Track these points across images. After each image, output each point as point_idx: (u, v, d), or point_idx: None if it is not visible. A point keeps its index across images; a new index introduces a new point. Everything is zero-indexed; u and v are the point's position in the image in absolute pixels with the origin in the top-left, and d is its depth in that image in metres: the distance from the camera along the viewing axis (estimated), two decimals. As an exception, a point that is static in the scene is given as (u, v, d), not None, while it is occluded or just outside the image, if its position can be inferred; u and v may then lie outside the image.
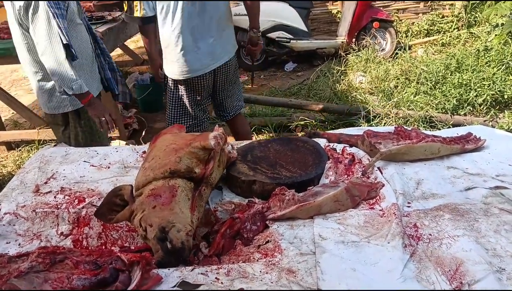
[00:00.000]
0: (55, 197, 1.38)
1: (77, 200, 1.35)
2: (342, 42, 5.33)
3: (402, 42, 5.58)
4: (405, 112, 3.47)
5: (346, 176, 1.41)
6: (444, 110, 3.59)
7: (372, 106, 3.57)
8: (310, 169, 1.39)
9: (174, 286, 0.96)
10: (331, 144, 1.61)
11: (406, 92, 3.87)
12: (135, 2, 2.36)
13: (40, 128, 3.53)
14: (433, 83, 3.91)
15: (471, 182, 1.32)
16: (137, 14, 2.37)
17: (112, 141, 3.39)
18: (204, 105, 2.61)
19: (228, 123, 2.85)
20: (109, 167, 1.58)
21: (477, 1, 5.84)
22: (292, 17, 5.33)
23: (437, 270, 0.99)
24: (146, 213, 1.13)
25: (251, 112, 4.07)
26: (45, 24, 1.92)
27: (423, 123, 3.38)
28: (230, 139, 1.87)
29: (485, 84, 3.72)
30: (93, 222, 1.29)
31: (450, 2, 6.12)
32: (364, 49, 4.87)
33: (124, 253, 1.01)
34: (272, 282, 0.96)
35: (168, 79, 2.51)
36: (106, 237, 1.28)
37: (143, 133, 2.95)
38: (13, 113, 4.39)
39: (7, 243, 1.26)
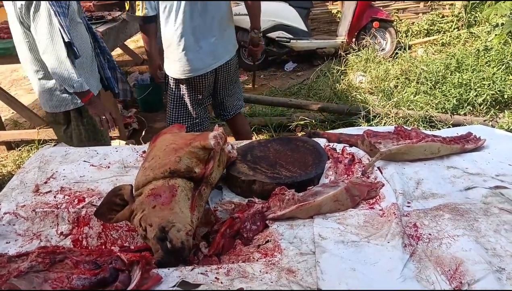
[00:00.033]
0: (55, 197, 1.38)
1: (77, 199, 1.35)
2: (342, 42, 5.33)
3: (402, 42, 5.58)
4: (405, 112, 3.47)
5: (346, 175, 1.40)
6: (444, 110, 3.58)
7: (372, 106, 3.57)
8: (310, 169, 1.39)
9: (174, 286, 0.95)
10: (331, 144, 1.61)
11: (406, 92, 3.87)
12: (137, 1, 2.36)
13: (40, 128, 3.53)
14: (433, 83, 3.91)
15: (471, 182, 1.32)
16: (139, 13, 2.38)
17: (112, 141, 3.39)
18: (205, 104, 2.62)
19: (228, 123, 2.85)
20: (109, 167, 1.58)
21: (477, 1, 5.84)
22: (292, 17, 5.33)
23: (437, 269, 0.99)
24: (146, 212, 1.13)
25: (251, 112, 4.07)
26: (46, 22, 1.92)
27: (423, 123, 3.37)
28: (230, 139, 1.87)
29: (485, 84, 3.72)
30: (93, 222, 1.29)
31: (450, 2, 6.12)
32: (364, 49, 4.87)
33: (124, 252, 1.01)
34: (272, 282, 0.96)
35: (169, 78, 2.51)
36: (106, 236, 1.28)
37: (143, 133, 2.95)
38: (13, 113, 4.39)
39: (7, 242, 1.26)
